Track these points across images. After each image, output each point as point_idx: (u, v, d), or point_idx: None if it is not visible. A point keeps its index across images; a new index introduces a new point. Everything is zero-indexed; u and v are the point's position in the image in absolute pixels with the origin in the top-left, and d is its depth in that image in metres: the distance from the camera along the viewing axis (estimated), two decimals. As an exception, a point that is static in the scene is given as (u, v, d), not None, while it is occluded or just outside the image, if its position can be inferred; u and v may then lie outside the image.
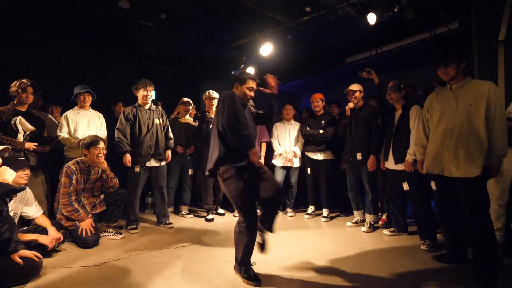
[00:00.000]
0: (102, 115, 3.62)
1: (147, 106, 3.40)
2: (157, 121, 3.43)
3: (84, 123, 3.41)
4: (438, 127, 2.31)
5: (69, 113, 3.39)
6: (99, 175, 3.01)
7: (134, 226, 3.30)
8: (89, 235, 2.71)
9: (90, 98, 3.48)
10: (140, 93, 3.35)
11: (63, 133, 3.30)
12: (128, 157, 3.23)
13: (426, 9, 3.86)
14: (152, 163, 3.39)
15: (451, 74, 2.25)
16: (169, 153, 3.56)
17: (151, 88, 3.36)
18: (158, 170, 3.45)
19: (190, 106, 4.13)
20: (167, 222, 3.47)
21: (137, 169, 3.31)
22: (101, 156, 2.92)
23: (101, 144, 2.93)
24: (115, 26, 4.63)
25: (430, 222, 2.77)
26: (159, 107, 3.62)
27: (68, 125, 3.33)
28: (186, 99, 4.12)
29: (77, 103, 3.46)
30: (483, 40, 3.49)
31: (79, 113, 3.43)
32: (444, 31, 4.37)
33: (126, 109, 3.36)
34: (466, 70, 2.26)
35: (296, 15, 4.33)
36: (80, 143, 2.97)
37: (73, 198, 2.79)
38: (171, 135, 3.60)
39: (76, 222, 2.74)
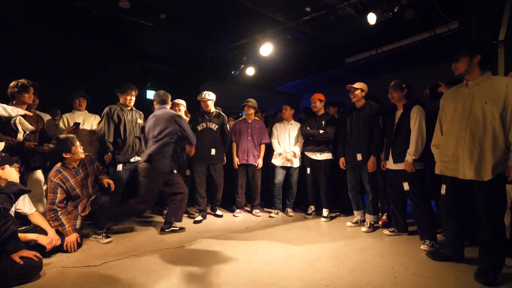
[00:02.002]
0: (97, 116, 3.72)
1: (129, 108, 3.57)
2: (139, 121, 3.59)
3: (80, 121, 3.53)
4: (452, 127, 2.20)
5: (66, 115, 3.64)
6: (87, 171, 2.89)
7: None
8: (74, 250, 2.59)
9: (85, 102, 3.72)
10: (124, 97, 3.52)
11: (61, 131, 3.45)
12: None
13: (426, 9, 3.86)
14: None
15: (460, 69, 2.13)
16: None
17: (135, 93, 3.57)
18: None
19: (181, 107, 3.98)
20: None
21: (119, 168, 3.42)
22: (83, 151, 2.81)
23: (77, 141, 2.79)
24: (115, 26, 4.64)
25: (430, 222, 2.76)
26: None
27: (65, 125, 3.54)
28: (176, 100, 3.98)
29: (73, 107, 3.69)
30: (483, 40, 3.49)
31: (74, 113, 3.66)
32: (444, 31, 4.38)
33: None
34: (484, 65, 2.10)
35: (296, 15, 4.34)
36: (52, 149, 2.74)
37: (59, 213, 2.63)
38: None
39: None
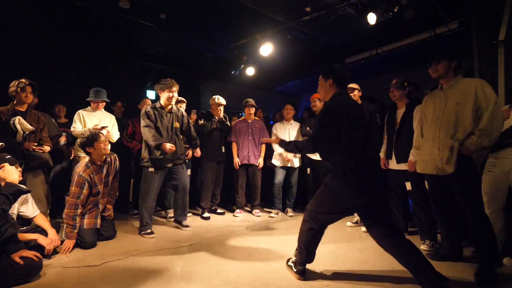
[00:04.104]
0: (114, 117, 3.70)
1: (168, 108, 3.21)
2: (175, 124, 3.26)
3: (96, 121, 3.52)
4: (429, 127, 2.34)
5: (82, 112, 3.53)
6: (109, 169, 2.98)
7: (149, 230, 3.08)
8: (66, 255, 2.55)
9: (103, 104, 3.62)
10: (165, 94, 3.14)
11: (77, 128, 3.42)
12: (166, 146, 2.96)
13: (426, 9, 3.87)
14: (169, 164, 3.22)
15: (440, 71, 2.26)
16: (197, 151, 3.58)
17: (176, 89, 3.18)
18: (176, 168, 3.27)
19: (183, 104, 4.01)
20: (185, 224, 3.39)
21: (151, 169, 3.11)
22: (107, 148, 2.91)
23: (103, 137, 2.87)
24: (115, 26, 4.64)
25: (431, 222, 2.76)
26: (180, 110, 3.44)
27: (80, 122, 3.47)
28: (179, 98, 4.02)
29: (90, 104, 3.60)
30: (483, 40, 3.49)
31: (90, 113, 3.56)
32: (444, 31, 4.39)
33: (147, 111, 3.15)
34: (457, 69, 2.26)
35: (296, 15, 4.34)
36: (79, 144, 2.87)
37: (78, 212, 2.67)
38: (195, 135, 3.54)
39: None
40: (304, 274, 2.11)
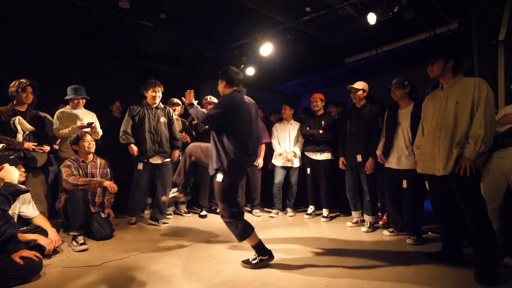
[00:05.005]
0: (94, 114, 3.59)
1: (154, 105, 3.56)
2: (162, 119, 3.57)
3: (77, 120, 3.40)
4: (430, 127, 2.34)
5: (62, 112, 3.38)
6: (98, 170, 3.10)
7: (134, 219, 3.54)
8: (114, 192, 2.94)
9: (84, 101, 3.52)
10: (149, 93, 3.52)
11: (61, 130, 3.28)
12: (133, 148, 3.42)
13: (426, 9, 3.87)
14: (156, 160, 3.52)
15: (435, 72, 2.28)
16: (175, 153, 3.68)
17: (159, 89, 3.55)
18: (162, 167, 3.56)
19: (178, 107, 4.09)
20: (164, 221, 3.54)
21: (140, 167, 3.46)
22: (91, 147, 3.05)
23: (88, 137, 3.06)
24: (115, 26, 4.64)
25: (418, 220, 2.85)
26: (167, 107, 3.75)
27: (62, 122, 3.32)
28: (175, 100, 4.09)
29: (69, 103, 3.48)
30: (483, 40, 3.49)
31: (71, 111, 3.43)
32: (444, 31, 4.39)
33: (131, 107, 3.55)
34: (457, 69, 2.26)
35: (296, 15, 4.34)
36: (69, 141, 3.05)
37: (78, 178, 2.90)
38: (178, 135, 3.71)
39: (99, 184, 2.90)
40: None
